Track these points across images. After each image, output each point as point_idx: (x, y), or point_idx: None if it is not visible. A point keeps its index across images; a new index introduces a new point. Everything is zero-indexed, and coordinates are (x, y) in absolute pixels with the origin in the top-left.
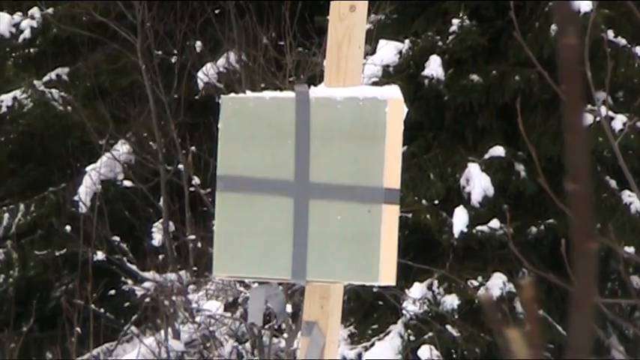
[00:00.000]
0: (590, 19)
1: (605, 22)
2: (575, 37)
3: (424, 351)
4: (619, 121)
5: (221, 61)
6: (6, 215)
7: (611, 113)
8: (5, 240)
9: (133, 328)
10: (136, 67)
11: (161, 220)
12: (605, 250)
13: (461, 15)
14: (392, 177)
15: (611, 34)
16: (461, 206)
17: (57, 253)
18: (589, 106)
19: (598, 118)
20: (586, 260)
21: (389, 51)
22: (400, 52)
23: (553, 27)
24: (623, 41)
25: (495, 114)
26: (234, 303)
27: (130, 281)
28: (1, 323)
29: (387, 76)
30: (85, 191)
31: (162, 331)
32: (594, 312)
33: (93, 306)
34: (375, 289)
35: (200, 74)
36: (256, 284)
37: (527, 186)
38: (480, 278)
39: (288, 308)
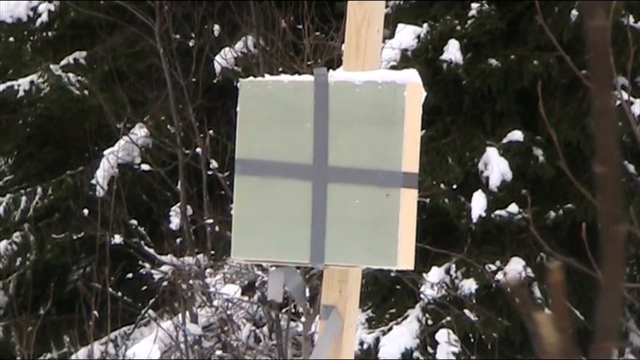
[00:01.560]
0: (613, 5)
1: (626, 7)
2: (604, 19)
3: (442, 335)
4: (639, 105)
5: (239, 45)
6: (23, 198)
7: (631, 98)
8: (23, 223)
9: (151, 312)
10: (153, 51)
11: (179, 204)
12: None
13: None
14: (410, 161)
15: (631, 19)
16: (479, 190)
17: (74, 237)
18: None
19: (618, 103)
20: (614, 244)
21: (407, 35)
22: (419, 37)
23: (574, 12)
24: None
25: (514, 98)
26: (252, 286)
27: (147, 265)
28: (19, 306)
29: (405, 61)
30: (102, 175)
31: (180, 315)
32: (621, 296)
33: (110, 289)
34: (392, 274)
35: (218, 58)
36: (274, 268)
37: (545, 170)
38: (497, 263)
39: (306, 292)
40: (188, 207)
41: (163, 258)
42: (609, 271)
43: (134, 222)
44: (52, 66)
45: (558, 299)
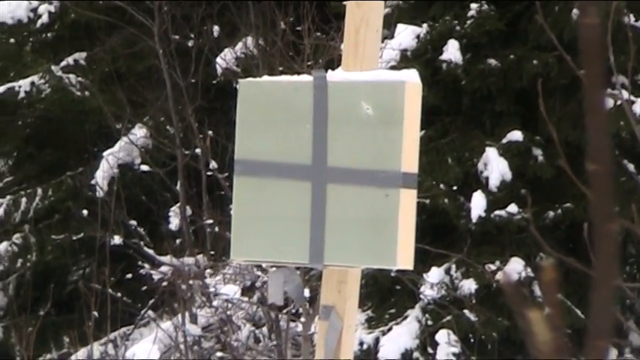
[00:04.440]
0: (613, 5)
1: (627, 6)
2: (596, 16)
3: (442, 335)
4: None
5: (239, 46)
6: (23, 200)
7: (632, 97)
8: (23, 224)
9: (150, 313)
10: (153, 52)
11: (178, 205)
12: (624, 234)
13: None
14: (409, 161)
15: (632, 18)
16: (479, 191)
17: (74, 238)
18: (610, 90)
19: (619, 102)
20: (607, 241)
21: (407, 35)
22: (418, 37)
23: (574, 11)
24: None
25: (513, 98)
26: (252, 287)
27: (147, 265)
28: (19, 307)
29: (405, 61)
30: (102, 175)
31: (180, 316)
32: (615, 294)
33: (110, 290)
34: (392, 274)
35: (218, 59)
36: (274, 268)
37: (544, 170)
38: (497, 263)
39: (306, 292)
40: (187, 207)
41: (163, 258)
42: (602, 268)
43: (134, 223)
44: (52, 67)
45: (552, 297)
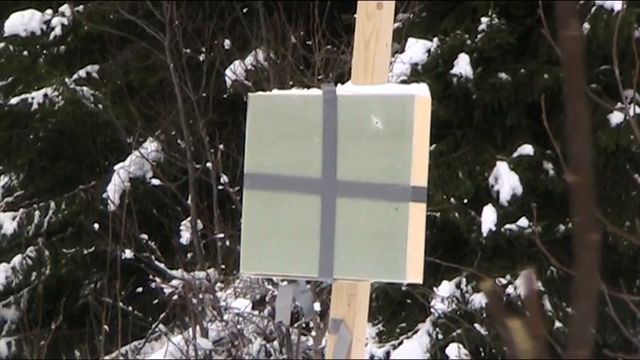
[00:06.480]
0: (619, 18)
1: (638, 20)
2: (577, 28)
3: (452, 349)
4: None
5: (249, 59)
6: (37, 213)
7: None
8: (37, 238)
9: (161, 327)
10: (164, 66)
11: (189, 219)
12: (635, 248)
13: (490, 13)
14: (419, 175)
15: None
16: (489, 205)
17: (85, 251)
18: (619, 104)
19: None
20: (588, 251)
21: (418, 49)
22: (429, 51)
23: (585, 25)
24: None
25: (524, 112)
26: (262, 301)
27: (158, 279)
28: (31, 321)
29: (415, 75)
30: (113, 189)
31: (191, 330)
32: (597, 303)
33: (121, 304)
34: (403, 288)
35: (228, 72)
36: (285, 282)
37: (556, 184)
38: (508, 277)
39: (316, 306)
40: (199, 221)
41: (174, 272)
42: (584, 278)
43: (145, 236)
44: (66, 79)
45: (533, 307)
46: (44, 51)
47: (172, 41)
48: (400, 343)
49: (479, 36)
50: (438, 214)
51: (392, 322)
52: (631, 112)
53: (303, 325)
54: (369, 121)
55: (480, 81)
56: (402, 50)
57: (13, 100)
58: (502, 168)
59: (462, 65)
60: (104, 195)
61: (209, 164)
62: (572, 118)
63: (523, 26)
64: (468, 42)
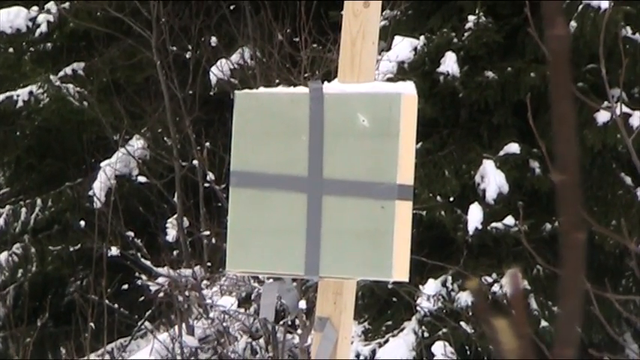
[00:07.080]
0: (606, 17)
1: (625, 18)
2: (564, 27)
3: (438, 347)
4: (637, 117)
5: (235, 57)
6: (23, 210)
7: (628, 110)
8: (23, 235)
9: (147, 324)
10: (151, 63)
11: (175, 216)
12: (620, 248)
13: (477, 12)
14: (405, 173)
15: (629, 30)
16: (476, 203)
17: (72, 249)
18: (605, 103)
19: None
20: (574, 251)
21: (404, 47)
22: (415, 49)
23: (572, 23)
24: None
25: (511, 111)
26: (248, 299)
27: (144, 277)
28: (17, 318)
29: (402, 73)
30: (99, 187)
31: (177, 327)
32: (582, 303)
33: (107, 301)
34: (389, 286)
35: (214, 70)
36: (270, 280)
37: (542, 183)
38: (494, 275)
39: (302, 304)
40: (185, 219)
41: (160, 270)
42: (569, 277)
43: (131, 234)
44: (51, 77)
45: (518, 306)
46: (30, 48)
47: (159, 39)
48: (386, 342)
49: (465, 34)
50: (424, 213)
51: (378, 320)
52: (617, 111)
53: (289, 322)
54: (355, 120)
55: (466, 79)
56: (389, 48)
57: None
58: (488, 166)
59: (449, 63)
60: (90, 192)
61: (195, 162)
62: (558, 117)
63: (510, 25)
64: (455, 40)
